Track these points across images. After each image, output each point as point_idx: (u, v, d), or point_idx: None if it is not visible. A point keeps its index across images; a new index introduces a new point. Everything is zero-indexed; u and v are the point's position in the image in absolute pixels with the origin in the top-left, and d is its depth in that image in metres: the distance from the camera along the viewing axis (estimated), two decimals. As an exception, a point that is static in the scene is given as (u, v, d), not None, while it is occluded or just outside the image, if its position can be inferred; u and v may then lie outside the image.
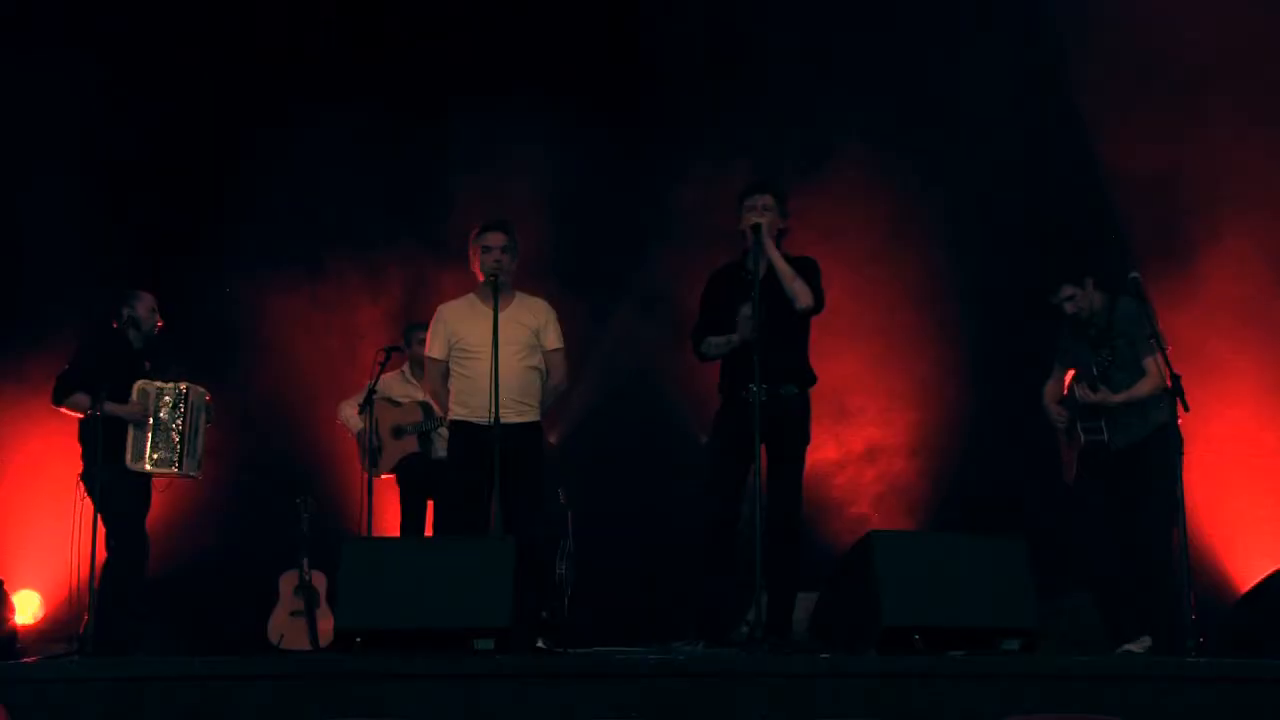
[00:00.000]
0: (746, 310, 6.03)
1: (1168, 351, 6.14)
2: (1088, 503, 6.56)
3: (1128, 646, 6.08)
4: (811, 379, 6.29)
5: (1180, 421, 6.00)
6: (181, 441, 7.07)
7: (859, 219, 8.46)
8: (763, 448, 6.00)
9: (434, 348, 6.49)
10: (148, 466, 7.03)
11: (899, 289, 8.50)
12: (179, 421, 7.08)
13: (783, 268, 6.15)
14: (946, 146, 8.38)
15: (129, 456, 6.98)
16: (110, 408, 6.76)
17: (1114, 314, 6.44)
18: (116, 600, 6.74)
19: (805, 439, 6.25)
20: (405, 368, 8.04)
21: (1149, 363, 6.26)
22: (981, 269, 8.36)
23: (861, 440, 8.63)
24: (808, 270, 6.26)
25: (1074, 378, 6.55)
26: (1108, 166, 8.13)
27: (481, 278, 6.35)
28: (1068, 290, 6.52)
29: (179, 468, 7.09)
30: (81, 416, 6.92)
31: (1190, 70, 7.82)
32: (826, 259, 6.50)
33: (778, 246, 6.25)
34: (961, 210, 8.41)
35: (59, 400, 6.99)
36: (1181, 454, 6.01)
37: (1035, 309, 6.88)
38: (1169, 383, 5.98)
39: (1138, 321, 6.24)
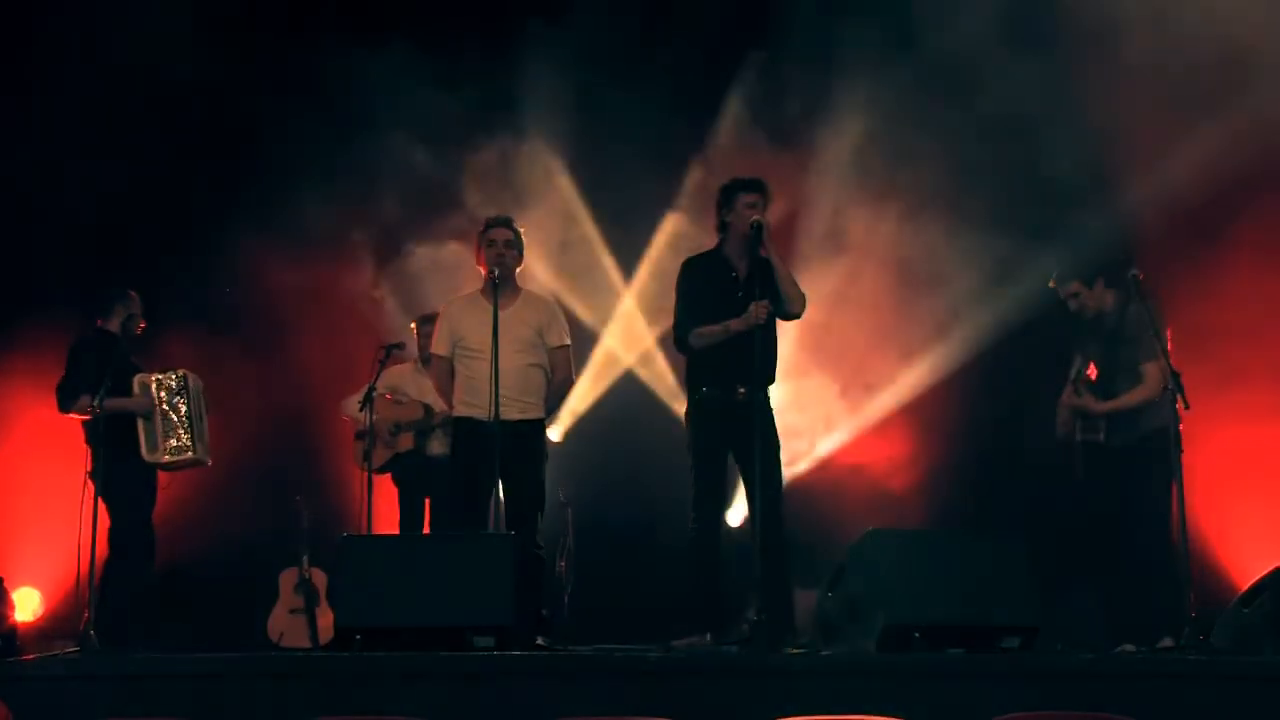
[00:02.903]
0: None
1: (1169, 353, 6.14)
2: (1087, 503, 6.58)
3: (1162, 643, 6.03)
4: (774, 378, 6.31)
5: (1183, 424, 6.01)
6: (191, 427, 7.08)
7: (876, 221, 8.48)
8: (747, 446, 6.03)
9: (439, 345, 6.51)
10: (165, 456, 7.04)
11: (913, 291, 8.50)
12: (185, 408, 7.09)
13: (783, 272, 6.15)
14: (960, 146, 8.39)
15: (144, 449, 6.99)
16: (115, 402, 6.77)
17: (1124, 316, 6.42)
18: (119, 597, 6.75)
19: (777, 435, 6.27)
20: (416, 360, 8.00)
21: (1147, 368, 6.26)
22: (995, 266, 8.38)
23: (872, 443, 8.64)
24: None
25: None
26: (1119, 160, 8.13)
27: (486, 274, 6.35)
28: (1073, 286, 6.53)
29: (193, 453, 7.10)
30: (89, 417, 6.92)
31: (1210, 63, 7.80)
32: (838, 264, 6.49)
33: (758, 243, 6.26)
34: (975, 210, 8.42)
35: (65, 407, 7.00)
36: (1180, 457, 6.01)
37: (1045, 311, 6.89)
38: (1168, 384, 6.00)
39: (1150, 324, 6.24)
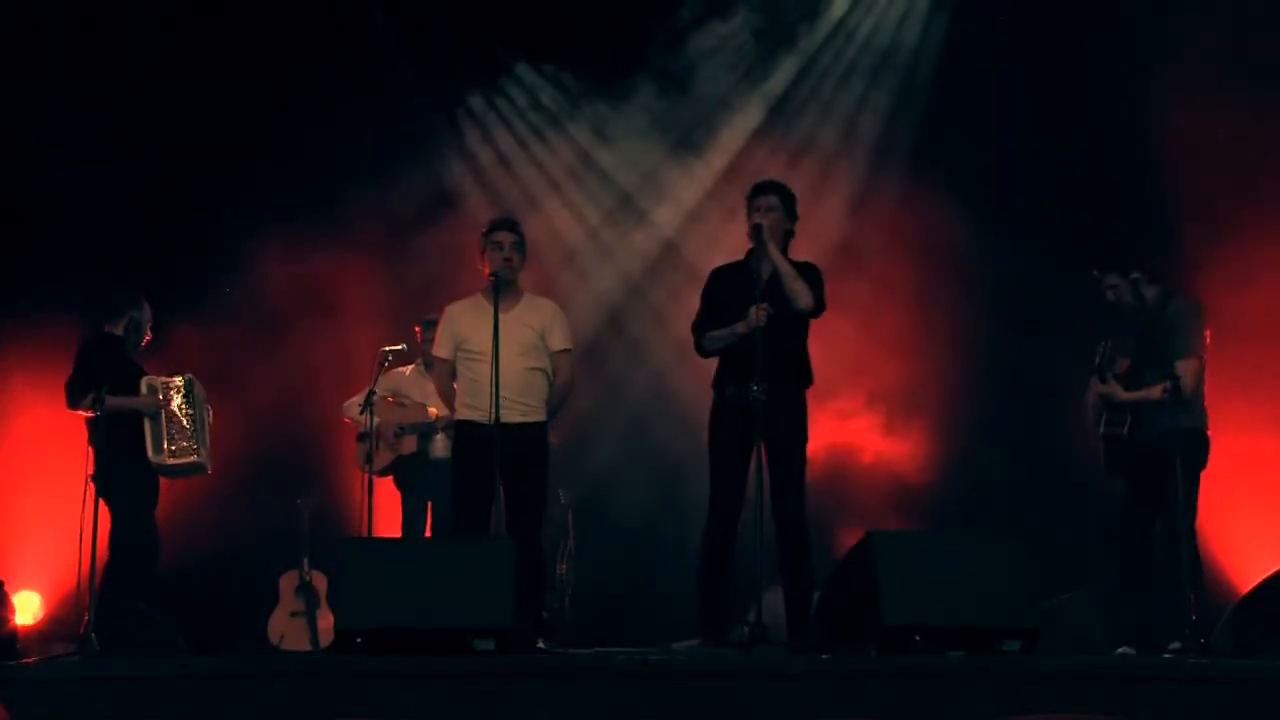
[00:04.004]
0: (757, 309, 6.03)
1: (1203, 354, 6.15)
2: (1107, 498, 6.61)
3: (1172, 647, 6.03)
4: (810, 379, 6.29)
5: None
6: (195, 431, 7.10)
7: (883, 220, 8.47)
8: (763, 446, 6.04)
9: (441, 348, 6.51)
10: (169, 459, 7.04)
11: (916, 290, 8.50)
12: (190, 411, 7.10)
13: (784, 268, 6.16)
14: (971, 146, 8.41)
15: (149, 450, 6.99)
16: (123, 401, 6.78)
17: (1163, 312, 6.41)
18: (119, 599, 6.75)
19: (804, 437, 6.26)
20: (420, 361, 8.01)
21: (1180, 365, 6.23)
22: (999, 268, 8.39)
23: (877, 440, 8.64)
24: (809, 275, 6.27)
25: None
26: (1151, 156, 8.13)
27: (488, 276, 6.34)
28: (1111, 279, 6.52)
29: (197, 456, 7.11)
30: (93, 415, 6.92)
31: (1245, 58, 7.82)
32: (846, 264, 6.50)
33: (784, 248, 6.27)
34: (983, 212, 8.43)
35: (73, 403, 7.00)
36: (1206, 459, 6.01)
37: (1052, 309, 6.90)
38: (1166, 386, 6.01)
39: (1184, 323, 6.23)
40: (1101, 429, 6.51)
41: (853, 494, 8.51)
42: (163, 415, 7.05)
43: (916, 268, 8.50)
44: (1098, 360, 6.48)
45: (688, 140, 9.03)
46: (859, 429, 8.61)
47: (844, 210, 8.61)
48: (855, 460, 8.61)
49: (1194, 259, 7.61)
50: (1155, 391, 6.26)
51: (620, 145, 9.01)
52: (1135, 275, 6.42)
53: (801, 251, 6.41)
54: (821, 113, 9.02)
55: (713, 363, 6.38)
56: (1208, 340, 6.40)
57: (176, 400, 7.09)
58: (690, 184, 9.05)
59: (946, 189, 8.46)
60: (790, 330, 6.19)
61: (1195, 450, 6.25)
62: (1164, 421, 6.20)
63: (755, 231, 6.16)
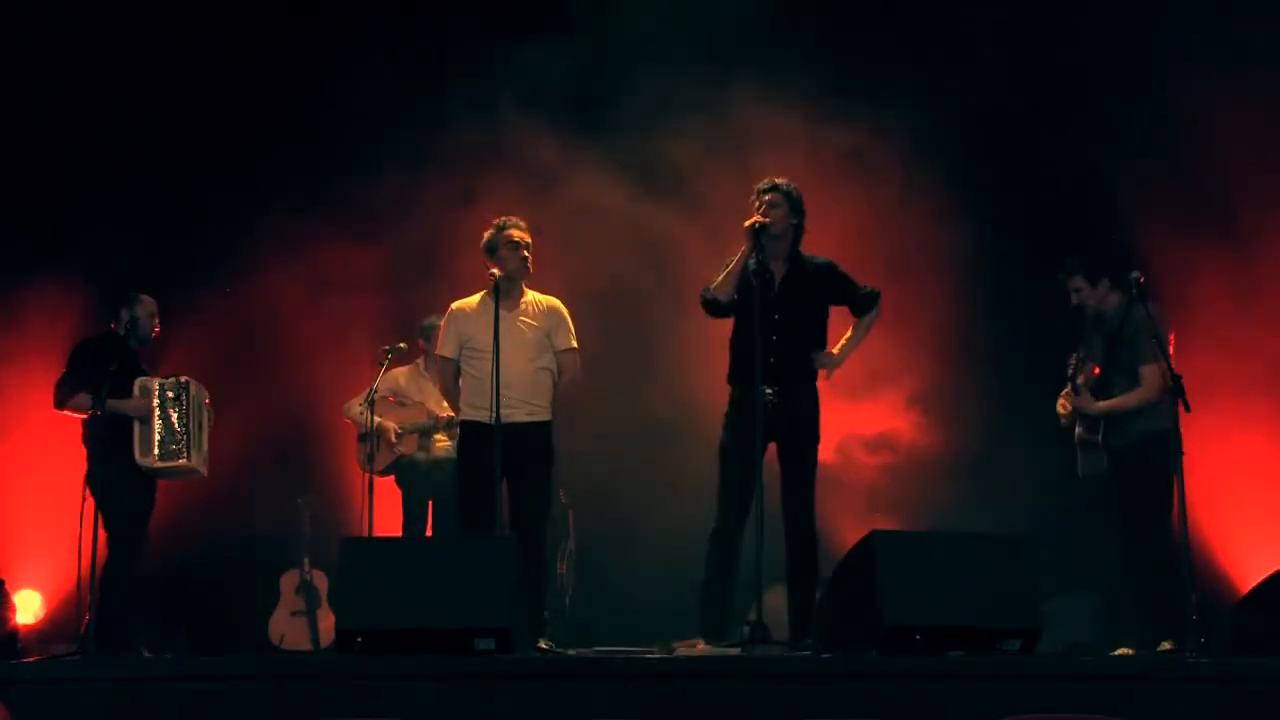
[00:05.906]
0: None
1: (1171, 356, 6.15)
2: (1087, 504, 6.63)
3: (1162, 646, 6.04)
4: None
5: (1190, 426, 6.03)
6: (186, 433, 7.05)
7: (884, 214, 8.46)
8: (775, 447, 6.03)
9: (445, 347, 6.50)
10: (155, 462, 7.01)
11: (914, 289, 8.49)
12: (182, 413, 7.07)
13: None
14: (968, 144, 8.39)
15: (137, 451, 6.96)
16: (112, 404, 6.76)
17: (1127, 317, 6.43)
18: (118, 599, 6.74)
19: (816, 437, 6.26)
20: (420, 362, 8.01)
21: (1146, 370, 6.27)
22: (1002, 266, 8.39)
23: (878, 439, 8.63)
24: (834, 277, 6.29)
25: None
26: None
27: (493, 276, 6.31)
28: (1076, 282, 6.55)
29: (186, 459, 7.06)
30: (84, 417, 6.91)
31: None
32: (850, 256, 6.50)
33: (796, 245, 6.27)
34: (983, 208, 8.42)
35: (61, 404, 6.98)
36: (1181, 460, 6.03)
37: (1054, 308, 6.90)
38: (1168, 384, 6.01)
39: (1148, 328, 6.25)
40: (1076, 436, 6.56)
41: (877, 492, 8.50)
42: (154, 417, 7.02)
43: (951, 270, 8.48)
44: (1070, 372, 6.51)
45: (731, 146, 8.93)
46: (889, 428, 8.60)
47: (888, 214, 8.56)
48: (883, 458, 8.60)
49: (1236, 250, 7.64)
50: (1129, 400, 6.35)
51: (624, 133, 8.93)
52: (1134, 275, 6.43)
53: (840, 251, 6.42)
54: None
55: (723, 363, 6.36)
56: (1172, 344, 6.40)
57: (168, 403, 7.05)
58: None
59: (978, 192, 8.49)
60: (803, 331, 6.18)
61: (1174, 450, 6.26)
62: (1141, 426, 6.30)
63: (758, 230, 6.14)
